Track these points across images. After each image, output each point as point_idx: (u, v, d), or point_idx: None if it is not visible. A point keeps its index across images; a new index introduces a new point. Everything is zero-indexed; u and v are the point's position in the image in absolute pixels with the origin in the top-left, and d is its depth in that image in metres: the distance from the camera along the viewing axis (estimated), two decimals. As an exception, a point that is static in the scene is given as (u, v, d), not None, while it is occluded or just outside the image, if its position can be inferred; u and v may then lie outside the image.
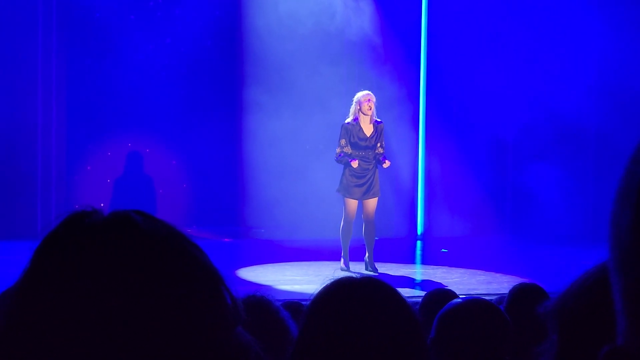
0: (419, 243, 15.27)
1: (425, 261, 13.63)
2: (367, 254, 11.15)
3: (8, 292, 1.29)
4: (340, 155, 11.01)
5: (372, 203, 11.07)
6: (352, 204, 11.02)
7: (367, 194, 10.98)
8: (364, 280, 2.21)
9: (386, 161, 10.94)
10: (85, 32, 14.93)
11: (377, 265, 11.10)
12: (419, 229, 15.69)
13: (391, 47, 15.28)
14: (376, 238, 11.38)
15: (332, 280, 2.18)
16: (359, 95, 11.07)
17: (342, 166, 11.12)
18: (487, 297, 7.31)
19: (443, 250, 14.01)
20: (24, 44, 14.25)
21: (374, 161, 11.03)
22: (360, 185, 10.96)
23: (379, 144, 11.01)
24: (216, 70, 15.55)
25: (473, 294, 7.16)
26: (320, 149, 15.01)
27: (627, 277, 0.98)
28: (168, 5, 15.34)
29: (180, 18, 15.35)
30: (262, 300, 3.12)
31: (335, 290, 2.15)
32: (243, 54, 15.39)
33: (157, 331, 1.22)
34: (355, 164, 10.83)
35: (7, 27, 14.12)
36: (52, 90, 14.60)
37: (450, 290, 4.58)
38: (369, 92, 11.09)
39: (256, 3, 15.12)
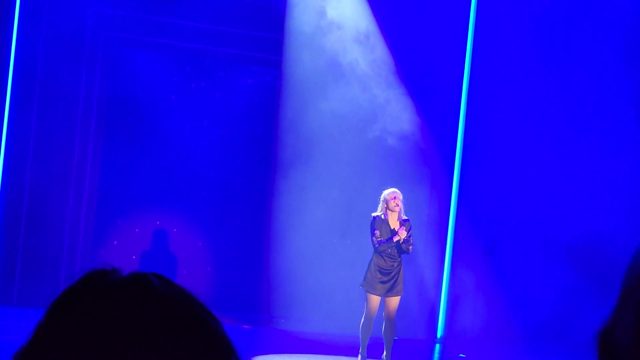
0: (437, 346, 15.14)
1: (442, 365, 13.48)
2: (384, 353, 11.05)
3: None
4: (380, 242, 10.93)
5: (394, 301, 11.00)
6: (375, 300, 10.96)
7: (390, 292, 10.93)
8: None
9: (401, 231, 10.89)
10: (125, 107, 15.13)
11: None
12: (439, 332, 15.57)
13: (427, 150, 15.34)
14: (395, 338, 11.28)
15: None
16: (386, 193, 11.10)
17: (368, 261, 11.10)
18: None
19: (461, 355, 13.86)
20: (64, 114, 14.42)
21: (400, 258, 11.01)
22: (384, 281, 10.92)
23: (410, 239, 10.98)
24: (250, 157, 15.67)
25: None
26: (348, 244, 15.02)
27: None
28: (209, 88, 15.55)
29: (220, 102, 15.55)
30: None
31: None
32: (278, 144, 15.49)
33: None
34: (402, 232, 10.80)
35: (49, 95, 14.32)
36: (87, 161, 14.74)
37: None
38: (396, 190, 11.12)
39: (297, 96, 15.26)
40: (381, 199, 11.08)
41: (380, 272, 10.93)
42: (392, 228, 10.97)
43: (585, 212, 14.86)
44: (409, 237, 10.97)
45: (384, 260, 10.95)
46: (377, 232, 10.94)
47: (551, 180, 15.21)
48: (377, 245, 10.94)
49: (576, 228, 14.89)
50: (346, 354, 11.73)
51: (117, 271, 1.33)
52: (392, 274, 10.95)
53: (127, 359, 1.23)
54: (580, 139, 14.95)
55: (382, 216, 10.99)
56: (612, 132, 14.82)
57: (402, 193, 11.16)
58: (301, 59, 15.08)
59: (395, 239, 10.89)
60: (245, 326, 14.34)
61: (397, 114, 15.05)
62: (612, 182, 14.97)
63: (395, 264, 10.99)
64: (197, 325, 1.30)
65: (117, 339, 1.23)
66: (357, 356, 11.10)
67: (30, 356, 1.26)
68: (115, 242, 15.25)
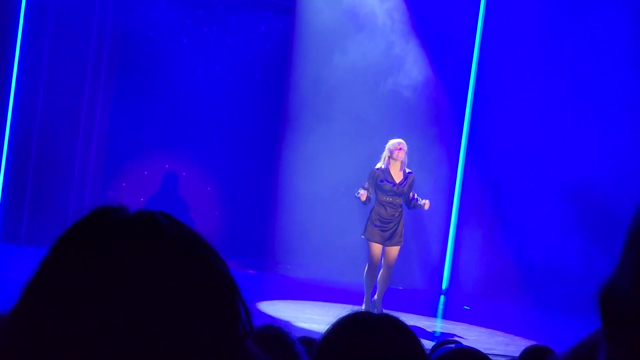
0: (442, 297, 15.21)
1: (446, 316, 13.56)
2: (376, 296, 11.11)
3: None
4: (359, 197, 11.06)
5: (394, 251, 11.06)
6: (377, 248, 11.01)
7: (390, 240, 10.98)
8: (380, 316, 2.23)
9: (425, 201, 11.00)
10: (137, 49, 15.08)
11: (398, 315, 11.03)
12: (444, 284, 15.64)
13: (437, 104, 15.31)
14: (400, 288, 11.34)
15: (350, 312, 2.21)
16: (391, 142, 11.14)
17: (369, 211, 11.14)
18: (502, 359, 7.26)
19: (465, 307, 13.92)
20: (76, 55, 14.40)
21: (401, 209, 11.05)
22: (384, 230, 10.97)
23: (411, 194, 11.06)
24: (261, 104, 15.64)
25: (489, 354, 7.10)
26: (354, 192, 15.03)
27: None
28: (221, 33, 15.48)
29: (232, 47, 15.48)
30: (278, 331, 3.12)
31: (352, 321, 2.17)
32: (289, 92, 15.46)
33: (167, 334, 1.23)
34: (362, 196, 10.88)
35: (60, 36, 14.29)
36: (97, 103, 14.73)
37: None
38: (401, 140, 11.14)
39: (309, 44, 15.18)
40: (386, 148, 11.12)
41: (380, 221, 10.99)
42: (393, 178, 11.01)
43: (594, 167, 14.82)
44: (413, 194, 11.07)
45: (385, 209, 11.00)
46: (366, 184, 11.02)
47: (561, 137, 15.15)
48: (356, 196, 11.05)
49: (584, 183, 14.86)
50: (351, 302, 11.79)
51: (124, 208, 1.34)
52: (392, 224, 11.00)
53: (131, 295, 1.23)
54: (588, 95, 14.87)
55: (383, 166, 11.03)
56: (622, 84, 14.73)
57: (409, 146, 11.19)
58: (315, 6, 15.00)
59: (425, 207, 10.94)
60: (250, 271, 14.41)
61: (410, 66, 14.99)
62: (624, 136, 14.88)
63: (396, 214, 11.03)
64: (202, 264, 1.30)
65: (121, 275, 1.24)
66: (361, 304, 11.15)
67: (36, 290, 1.27)
68: (123, 184, 15.29)
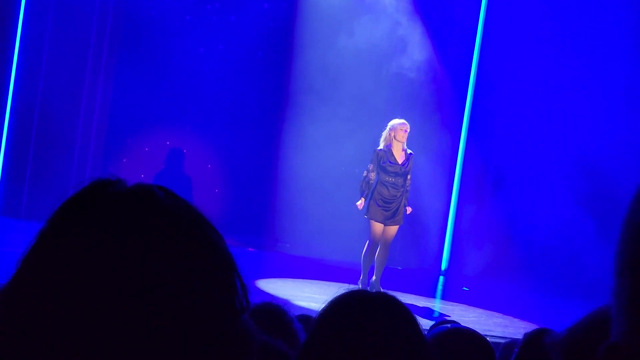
0: (441, 278, 15.23)
1: (445, 297, 13.57)
2: (374, 277, 11.14)
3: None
4: (364, 178, 11.13)
5: (393, 229, 11.13)
6: (378, 227, 11.04)
7: (390, 220, 11.02)
8: (377, 294, 2.24)
9: (408, 208, 11.11)
10: (139, 27, 15.03)
11: (396, 294, 11.04)
12: (443, 265, 15.65)
13: (440, 85, 15.28)
14: (399, 268, 11.37)
15: (347, 290, 2.21)
16: (395, 122, 11.13)
17: (371, 191, 11.15)
18: (500, 340, 7.27)
19: (464, 288, 13.93)
20: (78, 32, 14.36)
21: (402, 189, 11.07)
22: (386, 209, 11.01)
23: (409, 176, 11.08)
24: (263, 83, 15.59)
25: (487, 335, 7.10)
26: (355, 172, 15.03)
27: (633, 275, 1.02)
28: (224, 11, 15.42)
29: (235, 25, 15.42)
30: (276, 309, 3.13)
31: (348, 300, 2.17)
32: (291, 72, 15.43)
33: (162, 306, 1.22)
34: (359, 206, 11.01)
35: (63, 13, 14.24)
36: (99, 79, 14.71)
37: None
38: (404, 121, 11.14)
39: (312, 23, 15.14)
40: (388, 127, 11.10)
41: (383, 201, 11.02)
42: (396, 159, 11.02)
43: (595, 149, 14.80)
44: (409, 178, 11.16)
45: (388, 189, 11.02)
46: (371, 166, 11.08)
47: (562, 118, 15.13)
48: (361, 180, 11.17)
49: (586, 164, 14.84)
50: (350, 281, 11.81)
51: (121, 182, 1.33)
52: (394, 203, 11.04)
53: (127, 268, 1.22)
54: (590, 76, 14.83)
55: (385, 147, 11.03)
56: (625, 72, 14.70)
57: (411, 127, 11.20)
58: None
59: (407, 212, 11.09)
60: (250, 249, 14.42)
61: (414, 48, 14.94)
62: (624, 115, 14.85)
63: (398, 194, 11.06)
64: (199, 238, 1.29)
65: (118, 248, 1.23)
66: (357, 283, 11.18)
67: (33, 262, 1.26)
68: (124, 160, 15.28)
